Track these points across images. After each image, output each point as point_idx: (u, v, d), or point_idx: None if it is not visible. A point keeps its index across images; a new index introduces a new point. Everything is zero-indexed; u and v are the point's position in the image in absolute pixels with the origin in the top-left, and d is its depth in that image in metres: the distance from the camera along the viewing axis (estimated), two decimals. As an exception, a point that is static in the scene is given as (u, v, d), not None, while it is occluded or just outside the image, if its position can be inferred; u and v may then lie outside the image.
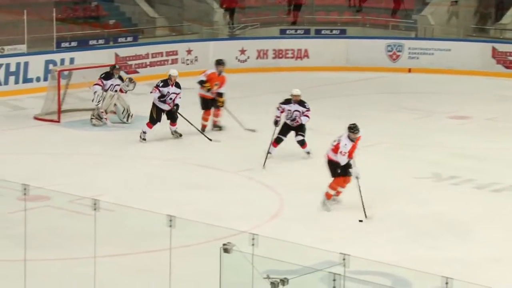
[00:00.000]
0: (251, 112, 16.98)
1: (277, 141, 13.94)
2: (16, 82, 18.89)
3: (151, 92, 15.16)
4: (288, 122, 13.99)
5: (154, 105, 15.05)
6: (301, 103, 13.95)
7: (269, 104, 18.09)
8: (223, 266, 6.75)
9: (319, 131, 15.67)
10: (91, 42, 21.06)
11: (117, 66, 16.52)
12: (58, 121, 16.28)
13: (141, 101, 16.83)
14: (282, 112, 13.87)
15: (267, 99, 18.50)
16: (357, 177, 11.43)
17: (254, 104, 18.11)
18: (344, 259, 6.48)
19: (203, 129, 15.68)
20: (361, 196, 11.18)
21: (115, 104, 16.29)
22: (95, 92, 16.00)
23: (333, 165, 11.66)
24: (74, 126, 16.05)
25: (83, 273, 8.54)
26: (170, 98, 15.03)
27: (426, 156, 14.46)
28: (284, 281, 6.44)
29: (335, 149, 11.59)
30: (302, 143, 14.06)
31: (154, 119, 15.01)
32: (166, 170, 13.39)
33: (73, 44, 20.66)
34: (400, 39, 23.12)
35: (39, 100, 17.06)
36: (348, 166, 11.48)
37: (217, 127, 15.89)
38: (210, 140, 15.07)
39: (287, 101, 13.93)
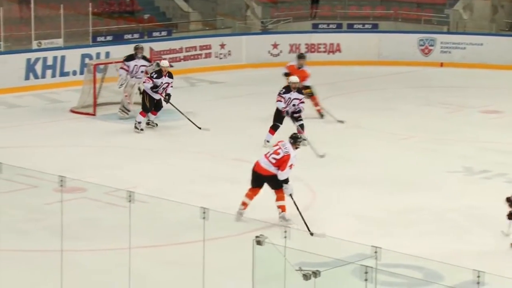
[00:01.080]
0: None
1: (274, 128, 14.20)
2: (53, 75, 19.09)
3: (144, 82, 15.33)
4: (290, 111, 14.20)
5: (147, 94, 15.25)
6: (299, 90, 14.22)
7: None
8: (255, 258, 6.83)
9: (351, 125, 15.74)
10: (126, 36, 21.21)
11: (139, 46, 16.51)
12: (94, 114, 16.46)
13: (175, 94, 16.99)
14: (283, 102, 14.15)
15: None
16: (291, 195, 10.56)
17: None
18: (376, 252, 6.52)
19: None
20: (300, 212, 10.43)
21: (138, 89, 16.36)
22: (120, 75, 16.18)
23: (273, 179, 10.59)
24: (109, 119, 16.22)
25: (118, 264, 8.67)
26: (163, 88, 15.22)
27: (458, 150, 14.45)
28: (316, 274, 6.51)
29: (280, 163, 10.52)
30: (302, 127, 14.19)
31: (147, 108, 15.25)
32: (199, 163, 13.49)
33: (109, 38, 20.83)
34: (432, 33, 23.04)
35: (75, 93, 17.25)
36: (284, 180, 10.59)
37: (320, 115, 16.15)
38: (199, 128, 15.20)
39: (287, 90, 14.17)
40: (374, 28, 23.74)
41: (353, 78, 20.90)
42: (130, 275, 7.98)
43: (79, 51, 19.56)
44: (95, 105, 16.68)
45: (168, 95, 15.29)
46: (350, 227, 10.59)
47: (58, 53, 19.24)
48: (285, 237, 6.79)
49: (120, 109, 16.31)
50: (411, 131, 15.62)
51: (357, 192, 12.12)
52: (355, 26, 23.76)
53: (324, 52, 22.78)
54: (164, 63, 15.48)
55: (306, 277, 6.49)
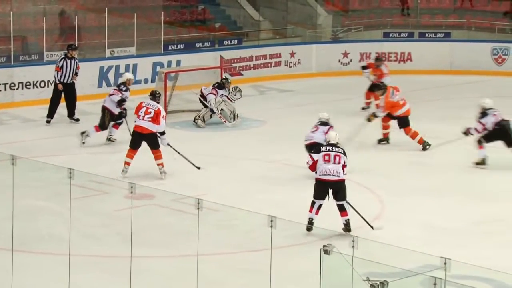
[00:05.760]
0: (353, 114, 17.00)
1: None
2: (125, 83, 19.36)
3: (112, 94, 14.88)
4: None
5: (108, 110, 14.80)
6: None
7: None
8: (323, 267, 6.81)
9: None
10: (197, 45, 21.38)
11: (229, 80, 16.87)
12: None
13: (248, 103, 17.22)
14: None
15: (370, 102, 18.46)
16: (168, 144, 12.89)
17: (356, 106, 18.09)
18: (445, 263, 6.45)
19: None
20: (185, 157, 12.60)
21: (222, 109, 16.61)
22: (209, 101, 16.36)
23: (152, 137, 12.85)
24: (180, 126, 16.38)
25: (186, 270, 8.72)
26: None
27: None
28: (384, 284, 6.45)
29: (155, 119, 12.70)
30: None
31: (105, 126, 14.82)
32: (269, 172, 13.51)
33: (180, 46, 21.01)
34: (506, 42, 22.68)
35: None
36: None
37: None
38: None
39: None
40: (447, 37, 23.47)
41: (424, 87, 20.68)
42: (198, 282, 8.03)
43: (151, 59, 19.82)
44: (166, 112, 16.82)
45: (125, 109, 14.87)
46: (419, 237, 10.48)
47: (130, 61, 19.51)
48: (353, 246, 6.76)
49: (199, 118, 16.48)
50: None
51: (428, 202, 11.99)
52: (427, 35, 23.52)
53: (395, 61, 22.62)
54: (132, 76, 15.50)
55: (374, 287, 6.45)
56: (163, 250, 10.01)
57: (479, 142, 13.93)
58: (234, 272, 9.46)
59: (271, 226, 7.33)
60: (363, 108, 17.42)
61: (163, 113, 12.88)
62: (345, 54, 22.27)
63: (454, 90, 20.63)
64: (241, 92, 16.76)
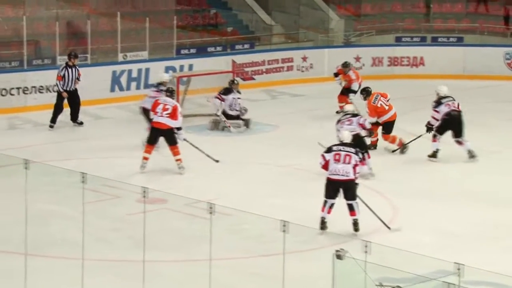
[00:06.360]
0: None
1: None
2: (138, 87, 19.34)
3: (150, 97, 14.76)
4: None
5: (148, 112, 14.38)
6: None
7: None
8: (335, 273, 6.80)
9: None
10: (209, 49, 21.39)
11: (235, 82, 16.81)
12: (177, 126, 16.64)
13: (260, 107, 17.20)
14: None
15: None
16: (185, 139, 13.27)
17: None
18: (458, 269, 6.43)
19: None
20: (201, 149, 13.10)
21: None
22: (214, 104, 16.37)
23: (170, 133, 13.14)
24: (192, 131, 16.37)
25: (198, 275, 8.72)
26: None
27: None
28: (396, 289, 6.46)
29: (173, 114, 13.00)
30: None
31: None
32: (281, 176, 13.51)
33: (192, 51, 21.04)
34: (519, 47, 22.66)
35: (159, 105, 17.47)
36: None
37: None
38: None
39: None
40: (459, 42, 23.41)
41: (436, 92, 20.60)
42: (211, 285, 8.02)
43: (163, 64, 19.81)
44: (178, 116, 16.86)
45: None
46: (429, 242, 10.45)
47: (143, 66, 19.55)
48: (366, 251, 6.74)
49: (212, 122, 16.48)
50: (496, 145, 15.33)
51: (439, 207, 11.96)
52: (439, 40, 23.47)
53: (408, 65, 22.59)
54: (168, 75, 15.90)
55: (386, 292, 6.44)
56: (175, 255, 10.01)
57: (434, 136, 13.99)
58: (245, 276, 9.45)
59: (284, 231, 7.32)
60: (337, 112, 17.36)
61: (180, 109, 13.22)
62: (357, 59, 22.24)
63: (467, 94, 20.49)
64: (246, 110, 16.70)
